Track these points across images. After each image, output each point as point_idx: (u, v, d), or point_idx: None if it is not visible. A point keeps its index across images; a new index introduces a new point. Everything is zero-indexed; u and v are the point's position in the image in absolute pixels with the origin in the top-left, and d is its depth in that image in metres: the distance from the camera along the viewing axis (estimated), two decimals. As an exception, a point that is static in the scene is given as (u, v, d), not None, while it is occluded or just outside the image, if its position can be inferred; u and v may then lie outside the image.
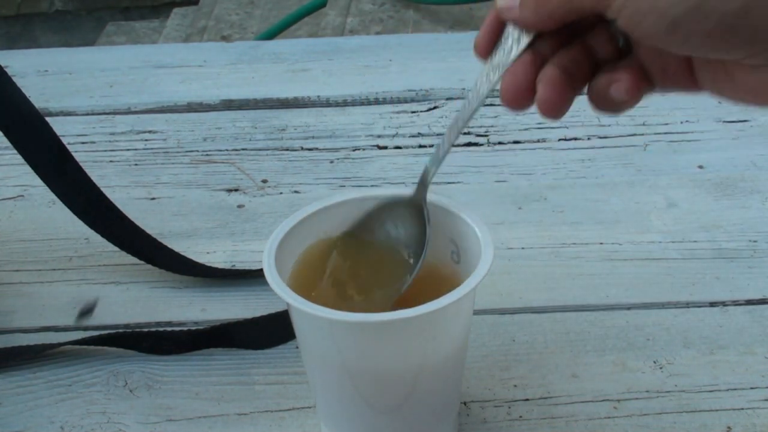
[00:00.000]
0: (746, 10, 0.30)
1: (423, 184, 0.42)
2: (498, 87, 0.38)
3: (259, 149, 0.74)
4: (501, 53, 0.38)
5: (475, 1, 1.52)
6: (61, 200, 0.56)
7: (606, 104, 0.37)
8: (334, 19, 1.58)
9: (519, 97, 0.37)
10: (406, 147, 0.73)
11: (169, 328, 0.53)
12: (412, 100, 0.80)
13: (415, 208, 0.43)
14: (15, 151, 0.54)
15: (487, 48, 0.38)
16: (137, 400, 0.49)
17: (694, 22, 0.31)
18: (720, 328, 0.53)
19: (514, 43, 0.37)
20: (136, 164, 0.72)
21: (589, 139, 0.72)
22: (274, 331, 0.52)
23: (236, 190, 0.68)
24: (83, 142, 0.75)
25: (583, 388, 0.49)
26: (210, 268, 0.58)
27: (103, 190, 0.56)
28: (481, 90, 0.38)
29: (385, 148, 0.73)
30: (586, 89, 0.37)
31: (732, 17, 0.30)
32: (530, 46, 0.37)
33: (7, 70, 0.53)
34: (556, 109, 0.36)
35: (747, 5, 0.30)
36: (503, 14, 0.37)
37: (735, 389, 0.49)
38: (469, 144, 0.73)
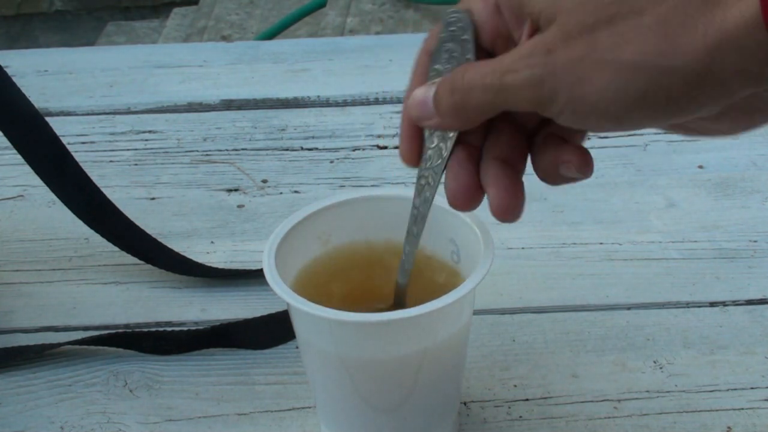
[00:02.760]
0: (691, 96, 0.29)
1: (398, 296, 0.42)
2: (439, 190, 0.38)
3: (259, 149, 0.74)
4: (432, 155, 0.37)
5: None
6: (61, 200, 0.56)
7: (560, 180, 0.36)
8: (334, 19, 1.58)
9: (469, 199, 0.36)
10: (406, 147, 0.73)
11: (169, 328, 0.53)
12: (412, 100, 0.80)
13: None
14: (15, 151, 0.54)
15: (416, 155, 0.37)
16: (137, 400, 0.49)
17: (638, 113, 0.30)
18: (720, 328, 0.53)
19: (441, 142, 0.36)
20: (136, 164, 0.72)
21: (589, 139, 0.72)
22: (274, 331, 0.52)
23: (236, 190, 0.68)
24: (83, 142, 0.75)
25: (583, 388, 0.49)
26: (210, 268, 0.58)
27: (103, 190, 0.56)
28: (428, 198, 0.38)
29: (385, 148, 0.73)
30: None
31: (675, 103, 0.29)
32: (458, 139, 0.36)
33: (7, 70, 0.53)
34: (513, 212, 0.35)
35: (691, 93, 0.29)
36: (422, 124, 0.36)
37: (735, 389, 0.49)
38: (469, 144, 0.73)
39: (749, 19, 0.27)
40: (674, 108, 0.29)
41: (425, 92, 0.35)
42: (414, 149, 0.37)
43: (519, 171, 0.36)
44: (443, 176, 0.37)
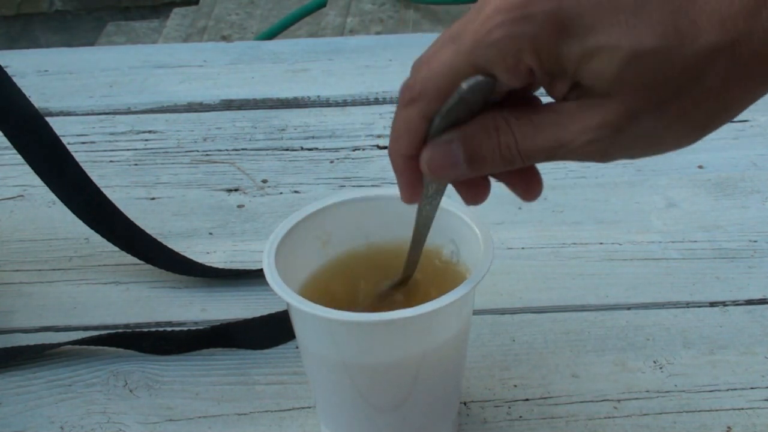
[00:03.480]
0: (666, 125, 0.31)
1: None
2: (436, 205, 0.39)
3: (259, 149, 0.74)
4: (431, 181, 0.37)
5: (474, 0, 1.52)
6: (61, 200, 0.56)
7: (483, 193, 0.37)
8: (334, 19, 1.58)
9: (483, 195, 0.37)
10: (406, 147, 0.73)
11: (169, 328, 0.53)
12: (412, 100, 0.80)
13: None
14: (15, 151, 0.54)
15: (419, 196, 0.38)
16: (137, 400, 0.49)
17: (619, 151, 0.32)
18: (720, 328, 0.53)
19: (437, 192, 0.38)
20: (136, 164, 0.72)
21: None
22: (274, 331, 0.52)
23: (236, 190, 0.68)
24: (83, 142, 0.75)
25: (583, 388, 0.49)
26: (210, 268, 0.58)
27: (103, 190, 0.56)
28: (434, 209, 0.39)
29: (385, 148, 0.73)
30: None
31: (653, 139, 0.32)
32: None
33: (7, 70, 0.53)
34: (538, 192, 0.37)
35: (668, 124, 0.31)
36: (437, 175, 0.35)
37: (735, 389, 0.49)
38: (469, 144, 0.73)
39: None
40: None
41: (445, 153, 0.34)
42: (417, 192, 0.37)
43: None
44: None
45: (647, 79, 0.30)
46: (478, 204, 0.37)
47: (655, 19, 0.29)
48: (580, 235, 0.61)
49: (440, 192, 0.38)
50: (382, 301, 0.43)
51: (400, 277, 0.43)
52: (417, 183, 0.37)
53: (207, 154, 0.73)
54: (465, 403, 0.48)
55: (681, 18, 0.29)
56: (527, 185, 0.36)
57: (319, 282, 0.44)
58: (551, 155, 0.33)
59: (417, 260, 0.42)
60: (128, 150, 0.74)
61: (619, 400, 0.48)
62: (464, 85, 0.32)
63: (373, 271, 0.46)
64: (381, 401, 0.42)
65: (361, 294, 0.45)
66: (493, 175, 0.36)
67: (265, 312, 0.53)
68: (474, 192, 0.37)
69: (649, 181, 0.67)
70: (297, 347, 0.51)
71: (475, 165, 0.34)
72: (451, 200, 0.43)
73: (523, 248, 0.60)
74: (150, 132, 0.77)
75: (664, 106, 0.30)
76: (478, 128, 0.33)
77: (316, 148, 0.73)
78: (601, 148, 0.32)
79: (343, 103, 0.80)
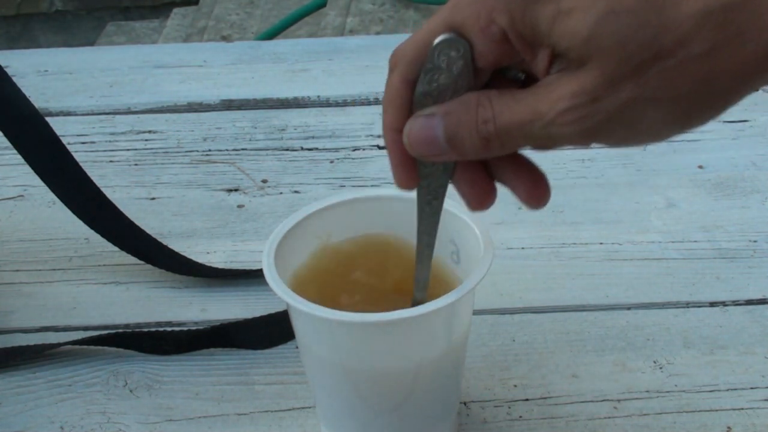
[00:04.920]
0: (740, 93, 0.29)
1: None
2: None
3: (259, 149, 0.74)
4: (432, 172, 0.36)
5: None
6: (61, 200, 0.56)
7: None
8: (334, 19, 1.58)
9: (489, 200, 0.36)
10: (406, 147, 0.73)
11: (169, 328, 0.53)
12: (412, 100, 0.80)
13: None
14: (15, 151, 0.54)
15: (414, 180, 0.36)
16: (137, 400, 0.49)
17: (697, 122, 0.30)
18: (720, 328, 0.53)
19: (437, 190, 0.36)
20: (136, 164, 0.72)
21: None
22: (274, 331, 0.52)
23: (236, 190, 0.68)
24: (83, 142, 0.75)
25: (583, 388, 0.49)
26: (210, 268, 0.58)
27: (103, 190, 0.56)
28: (437, 211, 0.38)
29: (385, 148, 0.73)
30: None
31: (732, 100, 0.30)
32: None
33: (7, 70, 0.53)
34: (546, 198, 0.36)
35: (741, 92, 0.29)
36: (429, 159, 0.34)
37: (735, 389, 0.49)
38: (469, 144, 0.73)
39: None
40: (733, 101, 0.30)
41: (424, 126, 0.33)
42: (411, 176, 0.36)
43: (530, 160, 0.36)
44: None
45: (624, 37, 0.28)
46: (483, 209, 0.36)
47: None
48: (580, 235, 0.61)
49: (440, 192, 0.37)
50: (380, 302, 0.43)
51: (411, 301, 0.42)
52: (409, 164, 0.36)
53: (207, 154, 0.73)
54: (465, 403, 0.48)
55: None
56: (532, 187, 0.35)
57: (318, 282, 0.44)
58: (528, 132, 0.31)
59: (427, 277, 0.41)
60: (128, 150, 0.74)
61: (619, 400, 0.48)
62: (436, 41, 0.32)
63: (372, 271, 0.46)
64: (380, 401, 0.42)
65: (361, 294, 0.45)
66: (499, 179, 0.36)
67: (265, 312, 0.53)
68: (479, 195, 0.36)
69: (649, 181, 0.67)
70: (297, 347, 0.51)
71: (453, 142, 0.33)
72: (450, 200, 0.43)
73: (523, 248, 0.60)
74: (150, 132, 0.77)
75: (644, 70, 0.28)
76: (460, 103, 0.33)
77: (316, 148, 0.73)
78: (578, 120, 0.30)
79: (343, 103, 0.80)
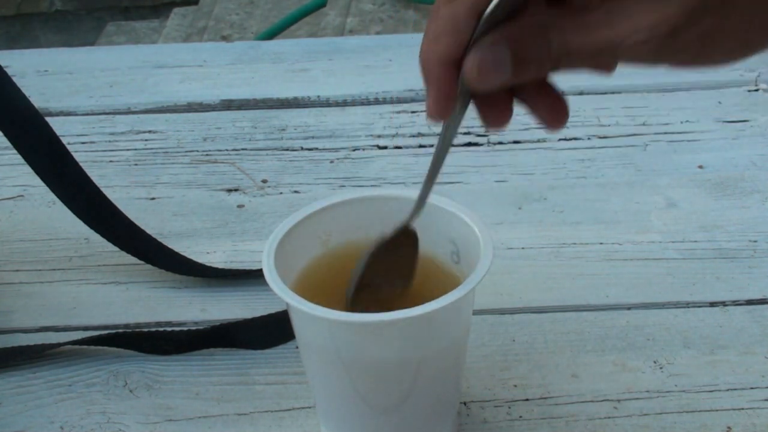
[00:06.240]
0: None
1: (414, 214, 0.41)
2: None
3: (259, 149, 0.74)
4: (455, 116, 0.35)
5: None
6: (61, 200, 0.56)
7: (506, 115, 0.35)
8: (334, 19, 1.58)
9: (506, 119, 0.35)
10: (406, 147, 0.73)
11: (169, 328, 0.53)
12: (412, 100, 0.80)
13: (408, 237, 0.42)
14: (15, 151, 0.54)
15: (449, 109, 0.35)
16: (137, 400, 0.49)
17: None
18: (720, 328, 0.53)
19: (461, 110, 0.35)
20: (136, 164, 0.72)
21: (589, 139, 0.72)
22: (274, 331, 0.52)
23: (236, 190, 0.68)
24: (83, 142, 0.75)
25: (583, 388, 0.49)
26: (210, 268, 0.58)
27: (103, 190, 0.56)
28: (451, 140, 0.36)
29: (385, 148, 0.73)
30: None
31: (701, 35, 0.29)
32: None
33: (7, 70, 0.53)
34: (565, 119, 0.35)
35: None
36: (482, 81, 0.32)
37: (735, 389, 0.49)
38: (469, 144, 0.73)
39: None
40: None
41: (495, 55, 0.32)
42: (450, 105, 0.34)
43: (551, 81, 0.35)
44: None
45: None
46: (500, 127, 0.35)
47: None
48: (580, 235, 0.61)
49: (463, 111, 0.35)
50: (380, 301, 0.43)
51: (409, 215, 0.41)
52: (452, 94, 0.34)
53: (207, 154, 0.73)
54: (465, 403, 0.48)
55: None
56: (553, 107, 0.34)
57: (319, 282, 0.44)
58: (599, 55, 0.31)
59: (428, 193, 0.39)
60: (128, 150, 0.74)
61: (619, 400, 0.48)
62: None
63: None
64: (381, 401, 0.42)
65: (361, 294, 0.45)
66: (520, 100, 0.34)
67: (265, 312, 0.53)
68: (497, 114, 0.35)
69: (649, 181, 0.67)
70: (297, 347, 0.51)
71: (521, 67, 0.32)
72: (450, 200, 0.43)
73: (523, 248, 0.60)
74: (150, 132, 0.77)
75: (727, 5, 0.28)
76: (524, 27, 0.31)
77: (316, 148, 0.73)
78: (653, 51, 0.29)
79: (343, 103, 0.80)
